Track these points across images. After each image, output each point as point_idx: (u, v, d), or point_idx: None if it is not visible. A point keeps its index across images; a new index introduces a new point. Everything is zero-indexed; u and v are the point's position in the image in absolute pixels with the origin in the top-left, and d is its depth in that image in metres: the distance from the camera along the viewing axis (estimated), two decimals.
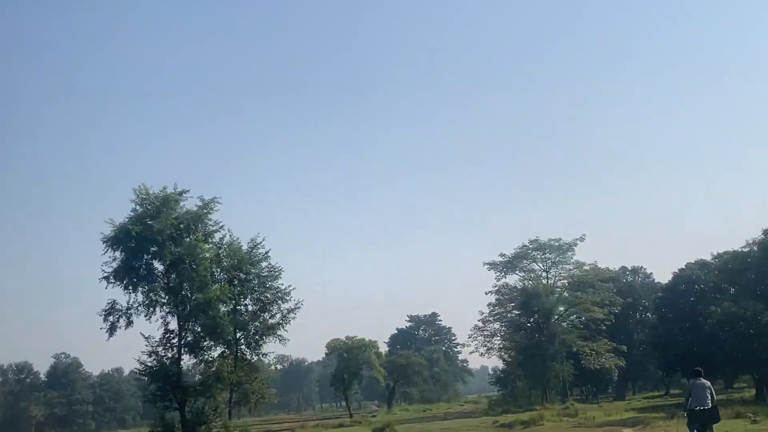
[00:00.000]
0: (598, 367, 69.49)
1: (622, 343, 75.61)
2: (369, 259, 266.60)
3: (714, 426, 18.69)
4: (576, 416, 43.47)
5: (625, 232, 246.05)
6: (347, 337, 73.21)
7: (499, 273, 73.08)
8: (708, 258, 57.96)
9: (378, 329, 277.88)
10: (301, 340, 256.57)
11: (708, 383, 18.83)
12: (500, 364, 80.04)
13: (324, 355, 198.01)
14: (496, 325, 73.85)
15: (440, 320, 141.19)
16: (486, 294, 73.58)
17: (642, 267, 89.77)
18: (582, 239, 71.17)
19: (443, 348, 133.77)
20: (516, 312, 70.37)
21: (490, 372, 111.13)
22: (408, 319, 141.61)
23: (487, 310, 73.99)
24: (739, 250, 47.73)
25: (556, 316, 71.62)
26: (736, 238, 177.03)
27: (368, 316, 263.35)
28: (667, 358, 61.75)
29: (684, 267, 59.43)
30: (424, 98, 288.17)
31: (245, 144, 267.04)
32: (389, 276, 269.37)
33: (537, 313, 66.54)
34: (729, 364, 48.91)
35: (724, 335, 45.04)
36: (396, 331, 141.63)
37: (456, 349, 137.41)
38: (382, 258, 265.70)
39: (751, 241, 46.39)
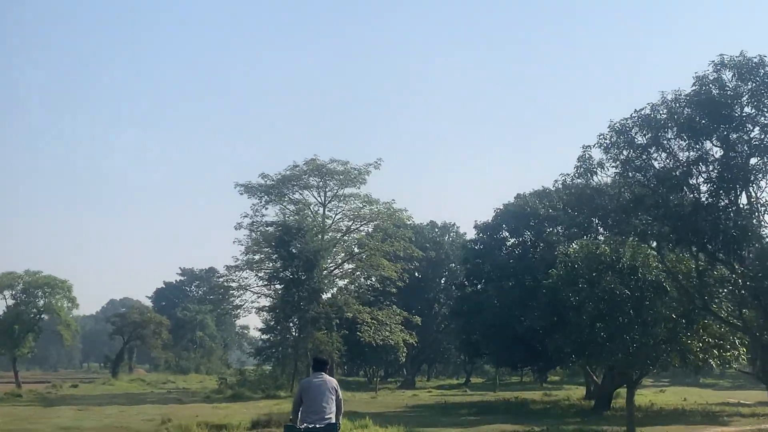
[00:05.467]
0: (381, 341, 50.32)
1: (418, 314, 57.16)
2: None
3: None
4: None
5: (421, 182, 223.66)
6: (26, 272, 49.41)
7: (257, 201, 52.08)
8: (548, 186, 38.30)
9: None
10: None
11: (334, 382, 10.25)
12: None
13: (96, 311, 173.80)
14: (245, 274, 53.11)
15: (220, 278, 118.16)
16: (236, 229, 52.51)
17: (454, 224, 71.59)
18: (377, 166, 51.34)
19: (218, 309, 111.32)
20: (274, 256, 49.50)
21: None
22: (179, 272, 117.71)
23: (238, 253, 53.48)
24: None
25: (328, 267, 51.65)
26: None
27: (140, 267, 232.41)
28: (469, 333, 41.13)
29: (510, 201, 39.32)
30: None
31: None
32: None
33: (298, 259, 45.89)
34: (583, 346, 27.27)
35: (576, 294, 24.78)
36: (163, 285, 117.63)
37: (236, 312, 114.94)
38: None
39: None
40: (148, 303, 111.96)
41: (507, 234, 38.16)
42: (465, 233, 70.05)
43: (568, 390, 53.10)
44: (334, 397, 10.07)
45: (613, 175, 23.21)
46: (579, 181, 24.33)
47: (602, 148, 21.95)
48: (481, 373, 78.89)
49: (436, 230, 69.62)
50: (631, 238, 22.74)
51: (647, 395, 42.47)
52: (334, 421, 9.95)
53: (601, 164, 22.16)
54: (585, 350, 23.26)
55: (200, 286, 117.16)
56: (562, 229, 34.17)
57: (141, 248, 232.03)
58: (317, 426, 9.71)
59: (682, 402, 37.91)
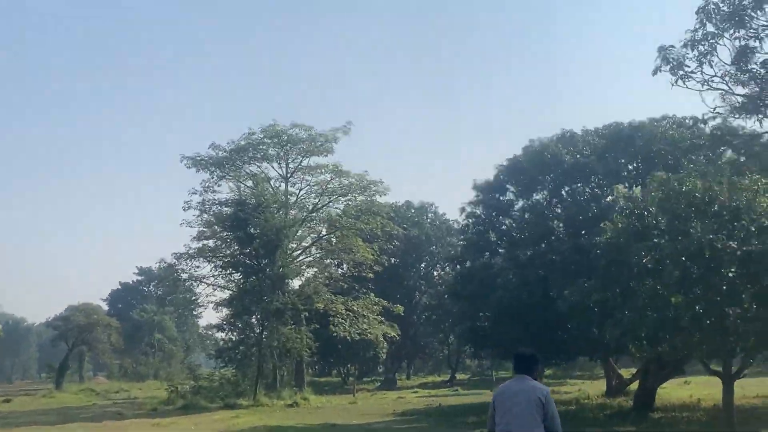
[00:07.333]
0: (357, 336, 43.22)
1: (398, 303, 49.88)
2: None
3: None
4: None
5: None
6: None
7: (208, 176, 44.56)
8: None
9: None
10: (24, 297, 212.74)
11: (541, 391, 7.05)
12: None
13: (51, 317, 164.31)
14: (197, 263, 45.61)
15: (180, 274, 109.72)
16: (183, 210, 44.85)
17: (433, 204, 64.70)
18: (346, 130, 44.11)
19: (171, 306, 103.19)
20: (229, 240, 42.04)
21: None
22: (137, 271, 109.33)
23: (189, 239, 46.12)
24: None
25: (293, 252, 44.47)
26: None
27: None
28: (474, 320, 32.14)
29: (526, 144, 30.35)
30: None
31: None
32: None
33: (258, 240, 38.58)
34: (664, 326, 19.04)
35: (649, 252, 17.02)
36: (119, 287, 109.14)
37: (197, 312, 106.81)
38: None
39: None
40: (105, 306, 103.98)
41: (512, 196, 30.67)
42: (444, 213, 63.55)
43: (573, 385, 46.39)
44: (539, 416, 6.85)
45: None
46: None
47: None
48: (463, 368, 72.34)
49: (413, 210, 62.68)
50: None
51: (673, 388, 35.22)
52: None
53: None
54: (672, 333, 16.09)
55: (159, 285, 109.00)
56: (587, 183, 26.70)
57: (99, 249, 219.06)
58: None
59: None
